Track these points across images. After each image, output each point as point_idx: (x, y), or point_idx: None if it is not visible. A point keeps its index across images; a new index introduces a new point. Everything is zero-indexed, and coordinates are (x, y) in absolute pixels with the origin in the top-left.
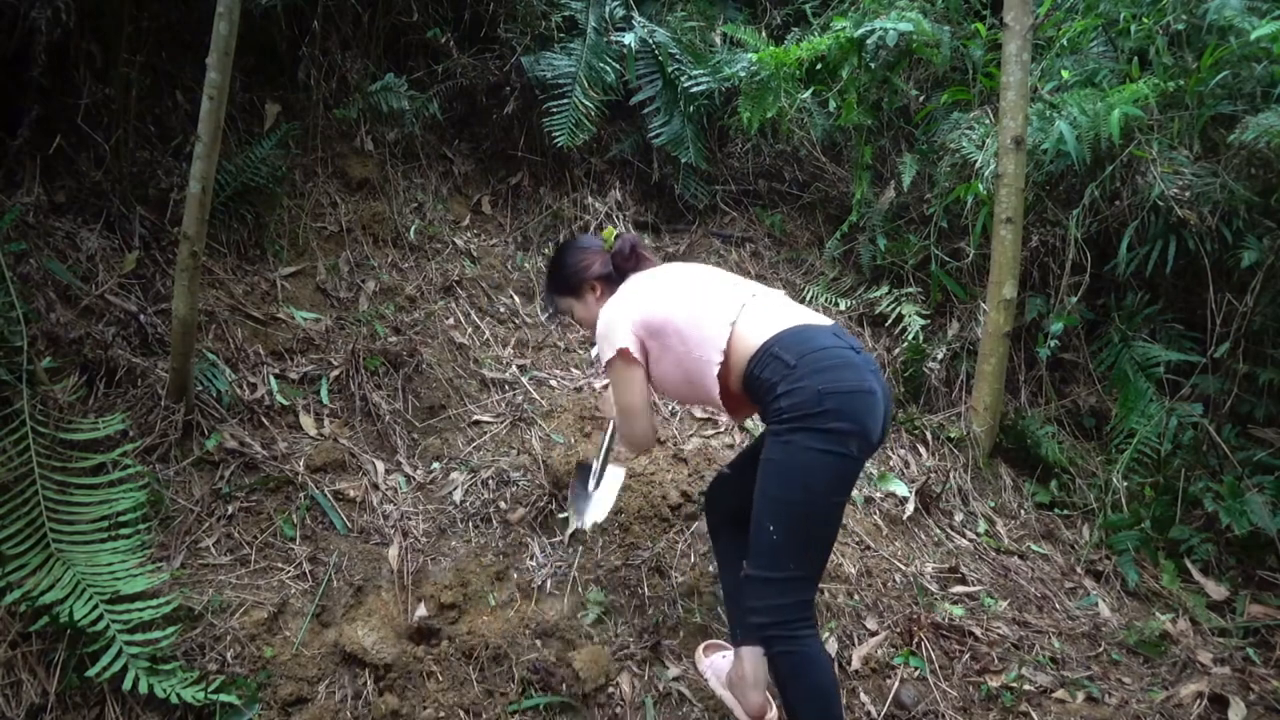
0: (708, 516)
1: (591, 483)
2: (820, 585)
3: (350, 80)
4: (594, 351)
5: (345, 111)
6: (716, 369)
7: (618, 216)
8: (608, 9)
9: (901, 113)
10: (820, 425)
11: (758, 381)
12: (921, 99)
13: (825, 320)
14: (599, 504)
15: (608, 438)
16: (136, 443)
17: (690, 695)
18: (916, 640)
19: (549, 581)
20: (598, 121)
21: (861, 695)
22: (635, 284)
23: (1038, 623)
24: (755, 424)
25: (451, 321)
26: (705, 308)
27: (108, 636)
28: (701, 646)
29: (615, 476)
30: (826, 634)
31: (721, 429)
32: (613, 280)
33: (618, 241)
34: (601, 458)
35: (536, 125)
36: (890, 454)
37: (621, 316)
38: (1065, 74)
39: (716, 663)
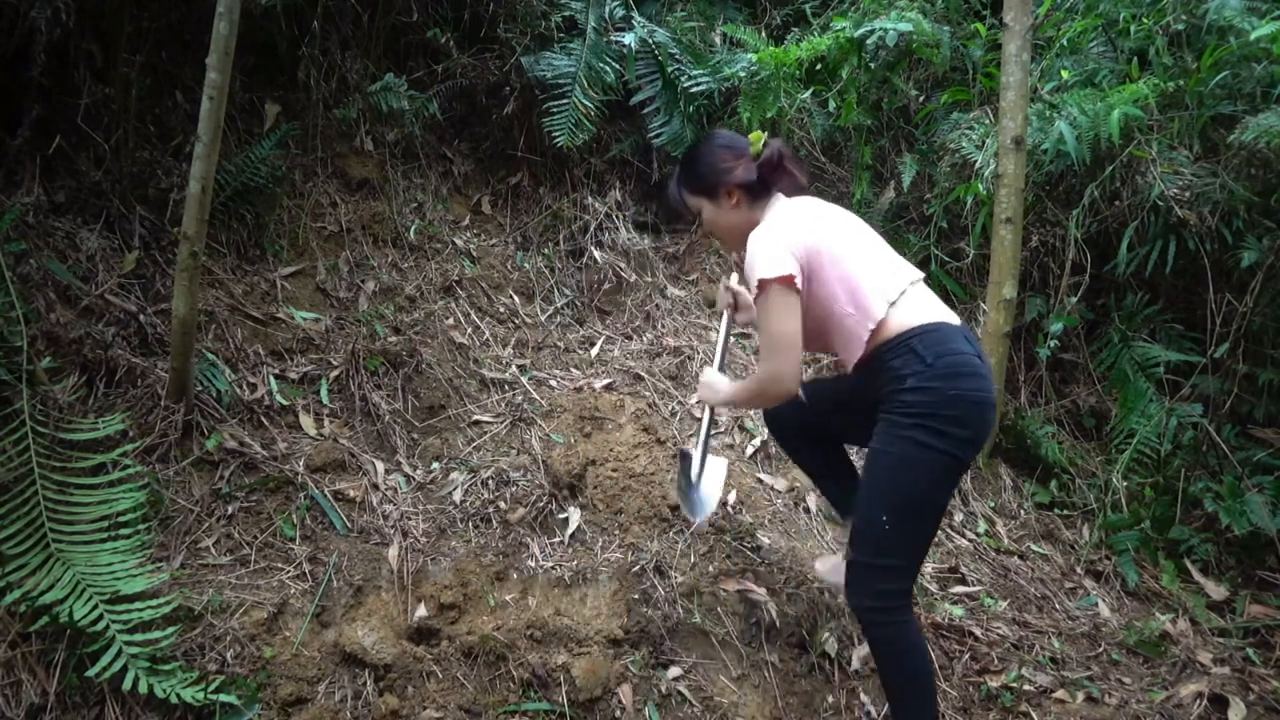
0: (780, 441)
1: (695, 473)
2: (820, 585)
3: (350, 80)
4: (739, 277)
5: (345, 111)
6: (868, 334)
7: (618, 216)
8: (608, 9)
9: (901, 113)
10: (944, 427)
11: (886, 367)
12: (921, 99)
13: (955, 319)
14: (708, 498)
15: (705, 427)
16: (136, 443)
17: (690, 695)
18: None
19: (549, 581)
20: (598, 121)
21: (861, 695)
22: (797, 210)
23: (1038, 623)
24: (755, 422)
25: (451, 321)
26: (877, 272)
27: (108, 636)
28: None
29: (719, 467)
30: (826, 634)
31: (722, 429)
32: (755, 191)
33: (766, 149)
34: (701, 449)
35: (536, 125)
36: None
37: (790, 238)
38: (1065, 74)
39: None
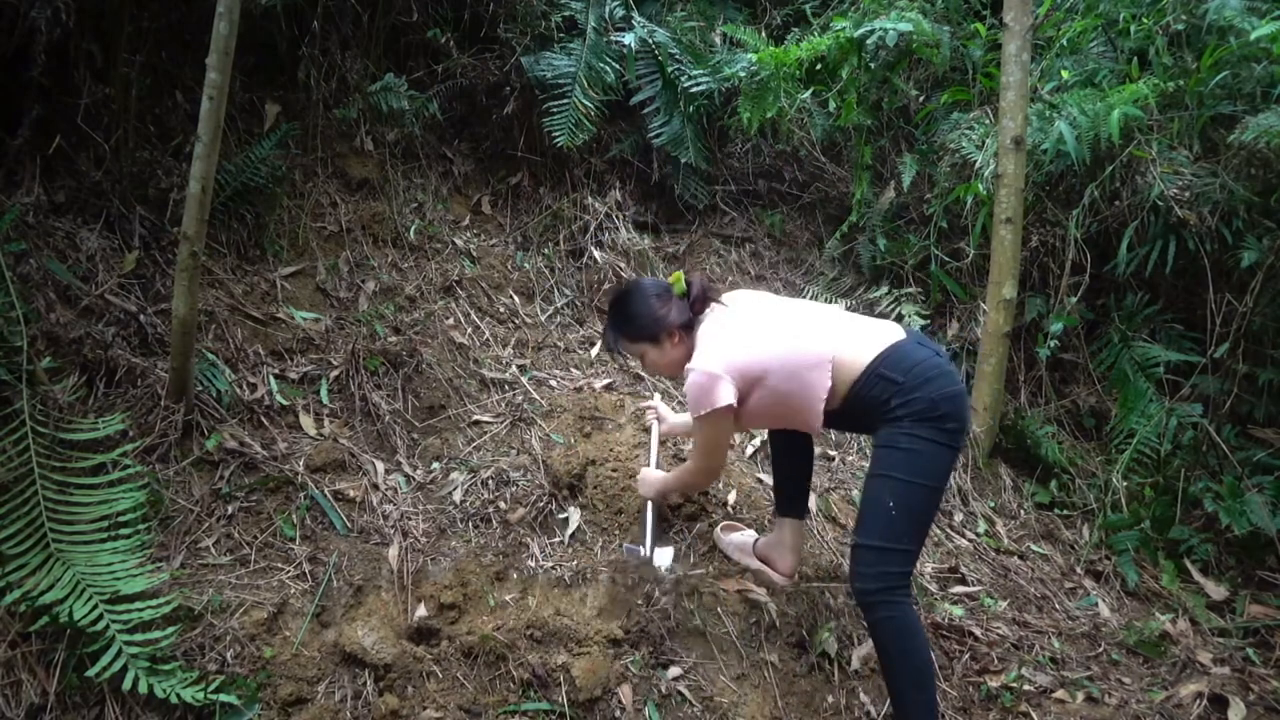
0: (773, 439)
1: (645, 551)
2: (820, 585)
3: (350, 80)
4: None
5: (345, 111)
6: (824, 400)
7: (618, 216)
8: (608, 9)
9: (901, 113)
10: (938, 424)
11: (866, 399)
12: (921, 99)
13: (902, 332)
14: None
15: (650, 520)
16: (136, 443)
17: (690, 695)
18: None
19: (549, 581)
20: (598, 121)
21: (861, 695)
22: (721, 331)
23: (1038, 623)
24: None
25: (451, 321)
26: (802, 348)
27: (108, 636)
28: (719, 527)
29: (666, 557)
30: (826, 634)
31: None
32: (689, 325)
33: (691, 287)
34: (649, 542)
35: (536, 125)
36: None
37: (720, 371)
38: (1065, 74)
39: (737, 539)
